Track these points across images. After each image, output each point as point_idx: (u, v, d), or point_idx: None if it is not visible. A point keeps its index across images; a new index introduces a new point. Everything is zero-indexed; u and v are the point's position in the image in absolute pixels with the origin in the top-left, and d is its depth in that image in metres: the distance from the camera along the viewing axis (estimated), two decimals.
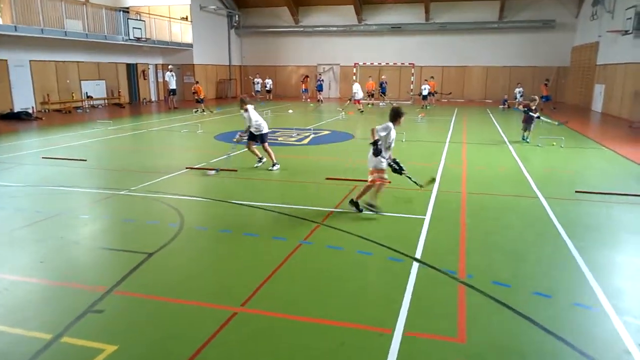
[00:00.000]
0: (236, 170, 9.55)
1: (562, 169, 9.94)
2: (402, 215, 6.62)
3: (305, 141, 13.54)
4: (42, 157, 10.84)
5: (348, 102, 23.88)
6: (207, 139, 14.06)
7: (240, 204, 7.16)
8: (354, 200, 6.77)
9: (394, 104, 26.44)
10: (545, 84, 23.62)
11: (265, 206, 7.03)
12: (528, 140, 13.15)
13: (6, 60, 20.55)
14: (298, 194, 7.91)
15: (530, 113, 12.90)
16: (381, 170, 6.76)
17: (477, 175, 9.27)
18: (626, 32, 18.85)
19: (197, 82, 24.22)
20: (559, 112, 22.73)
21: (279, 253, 5.24)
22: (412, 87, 28.96)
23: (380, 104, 26.98)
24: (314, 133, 14.99)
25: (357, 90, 22.45)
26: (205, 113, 21.54)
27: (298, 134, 14.81)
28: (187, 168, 9.76)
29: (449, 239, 5.70)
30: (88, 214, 6.78)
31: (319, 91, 28.89)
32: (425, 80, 25.71)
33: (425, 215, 6.58)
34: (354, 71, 29.52)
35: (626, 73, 19.53)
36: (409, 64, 28.77)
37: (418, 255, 5.16)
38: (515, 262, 5.06)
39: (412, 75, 28.92)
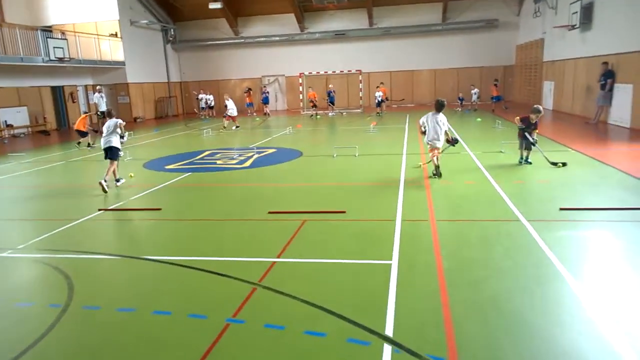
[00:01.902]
0: (160, 209, 7.89)
1: (533, 179, 8.87)
2: (362, 262, 5.21)
3: (248, 163, 12.00)
4: None
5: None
6: (135, 167, 12.26)
7: (156, 261, 5.55)
8: (435, 172, 9.13)
9: (344, 113, 25.67)
10: (495, 85, 23.16)
11: (188, 261, 5.46)
12: (530, 161, 10.01)
13: None
14: (233, 239, 6.36)
15: (526, 133, 9.85)
16: (436, 148, 9.27)
17: (443, 193, 8.03)
18: (573, 27, 18.50)
19: (85, 113, 17.95)
20: (511, 111, 22.26)
21: (195, 343, 3.71)
22: (361, 95, 27.97)
23: (329, 113, 25.79)
24: (257, 152, 13.48)
25: (232, 106, 20.18)
26: (89, 148, 16.32)
27: (240, 155, 13.25)
28: (100, 210, 8.02)
29: (426, 297, 4.33)
30: None
31: (265, 104, 27.43)
32: (377, 86, 24.71)
33: (390, 259, 5.20)
34: (300, 81, 28.23)
35: (576, 68, 19.19)
36: (356, 70, 27.80)
37: (389, 330, 3.75)
38: (521, 332, 3.73)
39: (361, 82, 27.94)
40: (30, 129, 23.37)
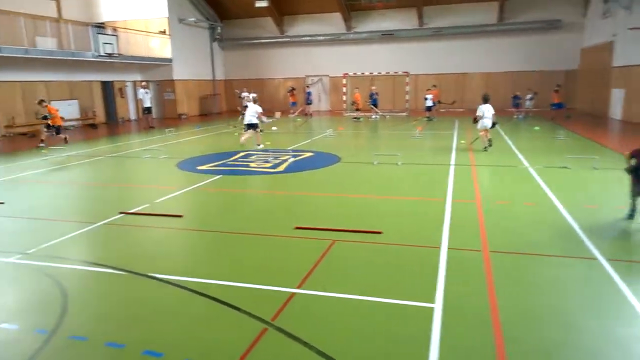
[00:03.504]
0: (181, 216, 7.31)
1: (611, 203, 7.57)
2: (397, 302, 4.36)
3: (282, 167, 11.32)
4: None
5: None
6: (168, 166, 11.87)
7: (165, 281, 4.92)
8: (488, 145, 12.60)
9: (388, 116, 24.63)
10: (556, 90, 21.45)
11: (199, 285, 4.79)
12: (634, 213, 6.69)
13: None
14: (253, 258, 5.64)
15: None
16: (486, 129, 12.94)
17: (499, 216, 6.99)
18: None
19: (42, 100, 16.32)
20: (575, 120, 20.57)
21: None
22: (407, 98, 26.84)
23: (373, 116, 24.82)
24: (293, 156, 12.78)
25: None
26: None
27: (275, 158, 12.60)
28: (120, 213, 7.53)
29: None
30: None
31: (307, 105, 26.85)
32: (428, 89, 23.51)
33: (433, 301, 4.32)
34: (344, 82, 27.41)
35: None
36: (403, 72, 26.68)
37: None
38: None
39: (407, 85, 26.81)
40: (80, 122, 23.78)
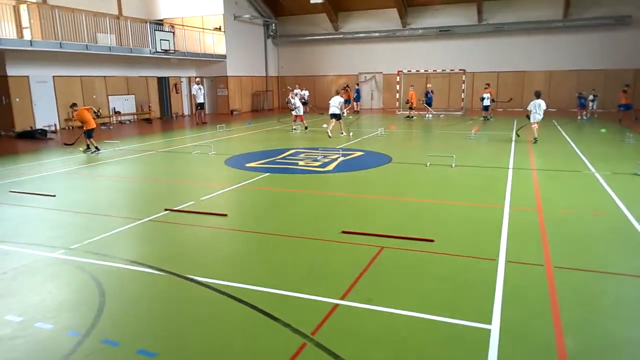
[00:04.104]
0: (226, 215, 7.18)
1: None
2: (449, 321, 3.95)
3: (331, 166, 11.03)
4: (10, 192, 8.96)
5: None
6: (216, 163, 11.87)
7: (204, 285, 4.75)
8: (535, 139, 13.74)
9: (442, 115, 23.81)
10: (625, 91, 19.92)
11: (239, 290, 4.59)
12: None
13: (27, 76, 19.48)
14: (296, 263, 5.38)
15: None
16: (536, 122, 14.08)
17: (563, 227, 6.38)
18: None
19: (74, 105, 14.40)
20: None
21: None
22: (463, 96, 25.85)
23: (426, 115, 24.06)
24: (343, 155, 12.45)
25: (299, 104, 18.84)
26: (93, 153, 13.56)
27: (324, 156, 12.33)
28: (166, 210, 7.50)
29: None
30: None
31: (356, 102, 26.47)
32: (485, 87, 22.53)
33: (489, 322, 3.89)
34: (398, 79, 26.75)
35: None
36: (460, 70, 25.70)
37: None
38: None
39: (464, 83, 25.80)
40: (135, 117, 24.55)
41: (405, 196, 8.30)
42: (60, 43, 18.69)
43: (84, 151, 13.69)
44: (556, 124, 19.37)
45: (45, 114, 20.24)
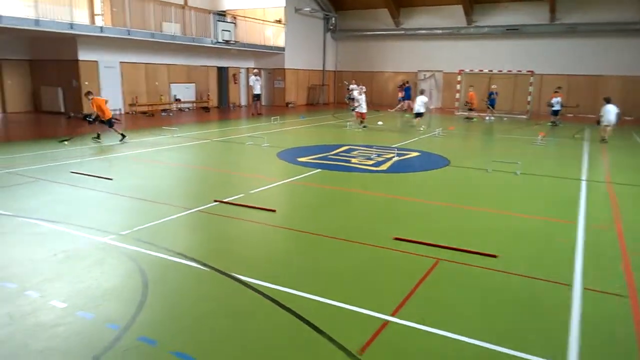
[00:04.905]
0: (274, 211, 6.96)
1: None
2: (513, 354, 3.48)
3: (385, 166, 10.61)
4: (71, 172, 9.21)
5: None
6: (269, 155, 11.74)
7: (247, 285, 4.53)
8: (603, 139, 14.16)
9: (505, 118, 22.65)
10: None
11: (283, 295, 4.33)
12: None
13: (96, 61, 20.26)
14: (345, 270, 5.05)
15: None
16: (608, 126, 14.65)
17: None
18: None
19: (88, 94, 13.35)
20: None
21: None
22: (529, 99, 24.49)
23: (486, 118, 22.96)
24: (398, 155, 11.97)
25: (363, 100, 17.84)
26: (121, 141, 12.91)
27: (378, 155, 11.91)
28: (215, 201, 7.39)
29: None
30: (17, 281, 4.58)
31: (407, 100, 25.74)
32: (555, 91, 21.19)
33: None
34: (459, 79, 25.73)
35: None
36: (527, 71, 24.34)
37: None
38: None
39: (531, 85, 24.44)
40: (194, 105, 25.05)
41: (463, 203, 7.77)
42: (129, 30, 19.21)
43: (94, 139, 12.97)
44: (635, 135, 17.84)
45: (111, 98, 20.94)
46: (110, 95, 20.87)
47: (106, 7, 20.32)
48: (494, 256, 5.32)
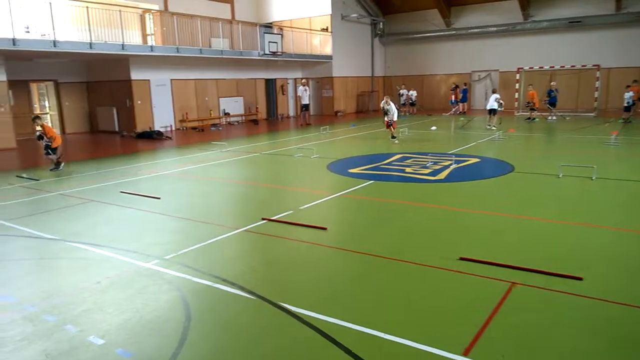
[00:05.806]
0: (325, 229, 6.49)
1: None
2: None
3: (442, 175, 9.91)
4: (121, 192, 9.19)
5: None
6: (318, 167, 11.34)
7: (292, 314, 4.08)
8: None
9: (568, 117, 21.15)
10: None
11: (335, 328, 3.84)
12: None
13: (148, 80, 20.77)
14: (405, 298, 4.49)
15: None
16: None
17: None
18: None
19: (36, 119, 12.31)
20: None
21: None
22: (596, 96, 22.77)
23: (548, 117, 21.51)
24: (456, 162, 11.21)
25: (394, 109, 15.05)
26: (52, 170, 11.54)
27: (435, 163, 11.20)
28: (263, 219, 7.03)
29: None
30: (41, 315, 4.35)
31: (462, 102, 24.68)
32: (628, 85, 19.55)
33: None
34: (517, 77, 24.36)
35: None
36: (593, 66, 22.66)
37: None
38: None
39: (597, 80, 22.72)
40: (243, 118, 25.20)
41: (535, 214, 6.97)
42: (177, 48, 19.54)
43: (52, 170, 11.60)
44: None
45: (162, 115, 21.41)
46: (162, 112, 21.41)
47: (157, 26, 20.83)
48: (579, 278, 4.58)
